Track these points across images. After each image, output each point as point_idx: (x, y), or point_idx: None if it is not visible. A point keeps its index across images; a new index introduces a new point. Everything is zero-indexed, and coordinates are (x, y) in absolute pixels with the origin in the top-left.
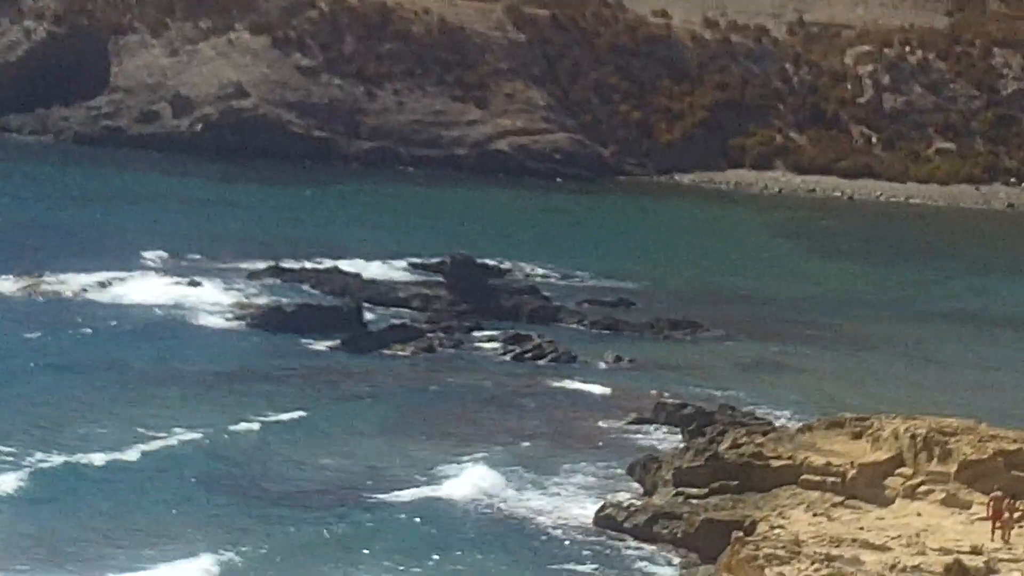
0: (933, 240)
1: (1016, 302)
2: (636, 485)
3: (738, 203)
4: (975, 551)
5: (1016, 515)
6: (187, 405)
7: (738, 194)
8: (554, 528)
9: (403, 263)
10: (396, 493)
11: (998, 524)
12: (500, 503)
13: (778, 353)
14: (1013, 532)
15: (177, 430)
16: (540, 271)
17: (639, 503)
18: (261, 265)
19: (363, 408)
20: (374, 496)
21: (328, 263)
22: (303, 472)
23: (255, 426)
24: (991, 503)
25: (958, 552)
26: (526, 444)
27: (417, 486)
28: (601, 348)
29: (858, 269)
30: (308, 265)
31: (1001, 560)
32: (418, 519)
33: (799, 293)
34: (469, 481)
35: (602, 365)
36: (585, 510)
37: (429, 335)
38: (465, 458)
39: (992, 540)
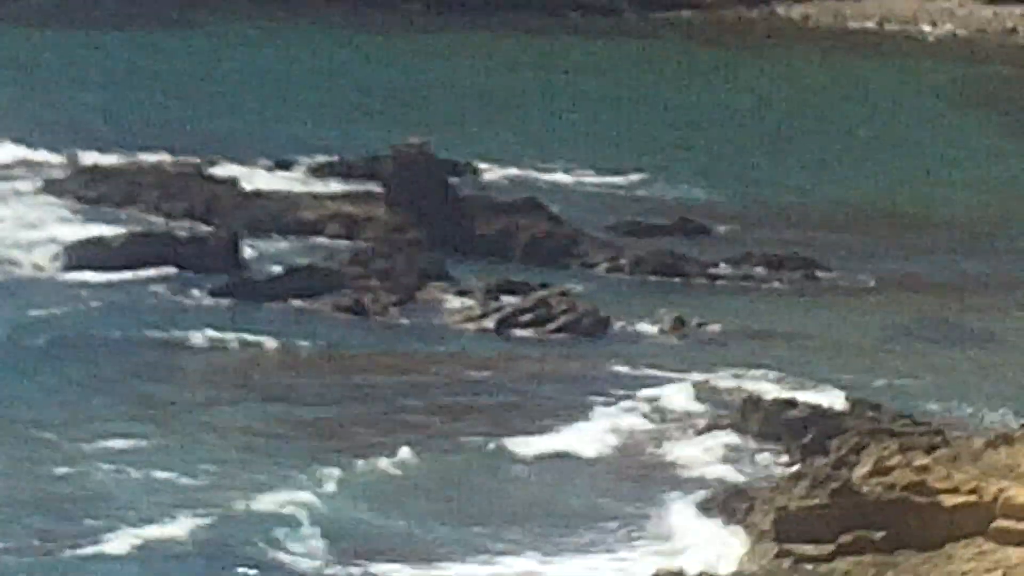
0: None
1: None
2: (711, 538)
3: (886, 53)
4: None
5: None
6: None
7: (887, 37)
8: None
9: (311, 163)
10: None
11: None
12: None
13: (954, 312)
14: None
15: None
16: (545, 173)
17: (717, 570)
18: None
19: (231, 424)
20: None
21: (185, 161)
22: None
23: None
24: None
25: None
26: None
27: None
28: (651, 307)
29: None
30: (149, 160)
31: None
32: None
33: (990, 211)
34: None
35: (653, 335)
36: None
37: (354, 285)
38: None
39: None
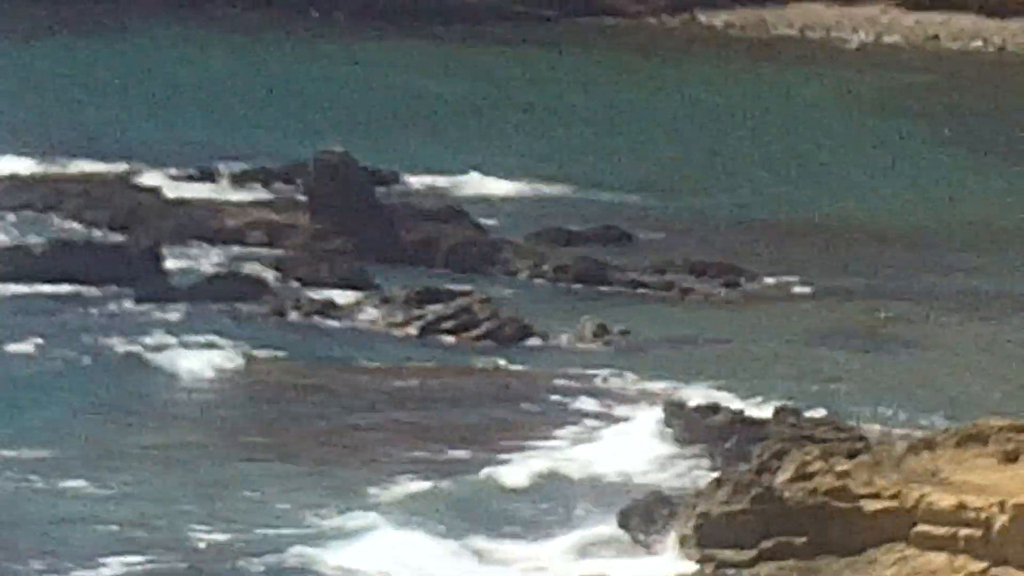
0: None
1: None
2: (633, 545)
3: (808, 62)
4: None
5: None
6: None
7: (808, 46)
8: None
9: (234, 170)
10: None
11: None
12: None
13: (877, 319)
14: None
15: None
16: (469, 181)
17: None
18: None
19: (158, 429)
20: None
21: (105, 168)
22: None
23: None
24: None
25: None
26: (446, 485)
27: (280, 551)
28: (575, 314)
29: (1009, 172)
30: (72, 168)
31: None
32: None
33: (914, 219)
34: (365, 550)
35: (576, 344)
36: None
37: (276, 292)
38: (354, 514)
39: None
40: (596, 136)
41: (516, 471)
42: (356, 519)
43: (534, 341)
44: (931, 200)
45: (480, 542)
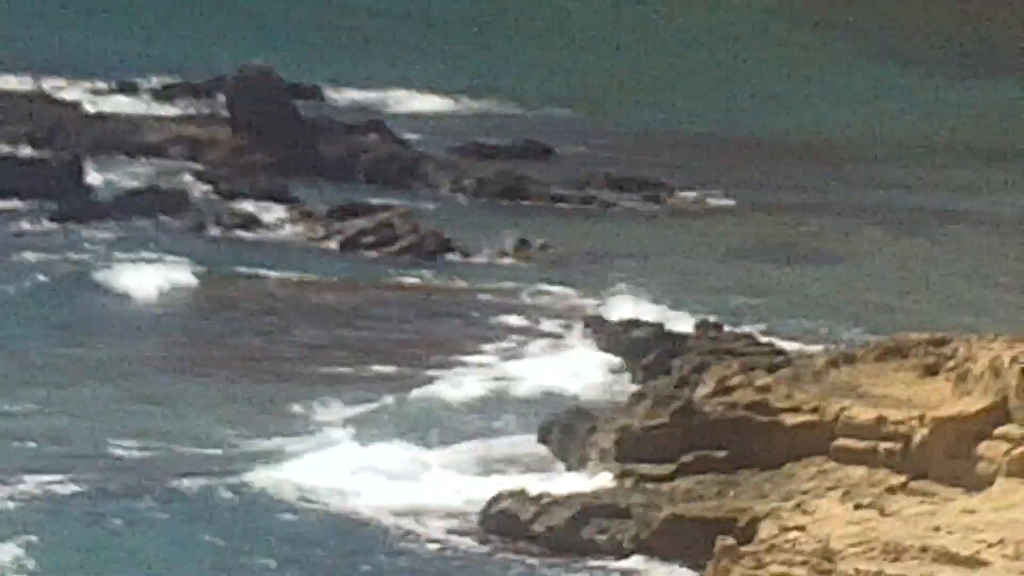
0: None
1: None
2: (554, 460)
3: None
4: None
5: None
6: None
7: None
8: (415, 541)
9: (155, 84)
10: (182, 485)
11: None
12: (332, 500)
13: (797, 233)
14: None
15: None
16: (393, 96)
17: (556, 492)
18: None
19: (83, 345)
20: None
21: (23, 83)
22: None
23: None
24: None
25: None
26: (370, 402)
27: (209, 475)
28: (495, 228)
29: (936, 86)
30: None
31: None
32: (213, 528)
33: (839, 134)
34: (289, 471)
35: (496, 258)
36: (470, 506)
37: (197, 206)
38: (274, 432)
39: None
40: (521, 51)
41: (443, 387)
42: (283, 437)
43: (455, 256)
44: (857, 114)
45: (403, 455)
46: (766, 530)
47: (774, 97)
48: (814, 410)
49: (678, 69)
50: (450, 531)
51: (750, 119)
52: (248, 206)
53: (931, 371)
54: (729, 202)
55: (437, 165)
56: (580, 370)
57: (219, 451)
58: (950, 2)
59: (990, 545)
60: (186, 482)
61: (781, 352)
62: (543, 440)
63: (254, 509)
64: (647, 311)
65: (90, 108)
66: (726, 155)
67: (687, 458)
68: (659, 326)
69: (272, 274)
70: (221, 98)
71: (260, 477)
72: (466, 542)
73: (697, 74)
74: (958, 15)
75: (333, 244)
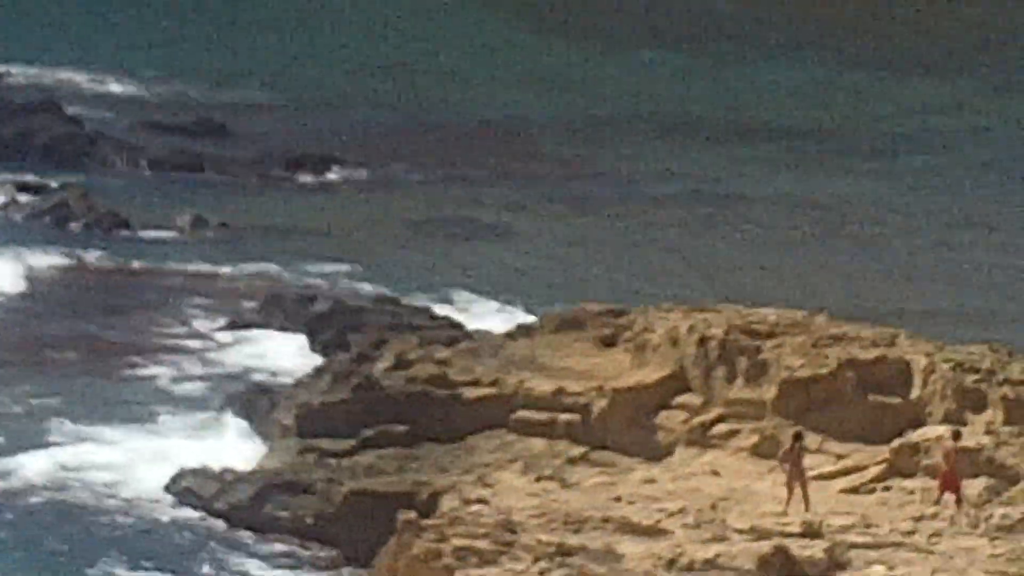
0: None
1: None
2: (237, 437)
3: None
4: (810, 532)
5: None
6: None
7: None
8: (91, 521)
9: None
10: None
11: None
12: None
13: (478, 206)
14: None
15: None
16: (64, 75)
17: (239, 469)
18: None
19: None
20: None
21: None
22: None
23: None
24: (947, 459)
25: (781, 534)
26: (47, 377)
27: None
28: (172, 205)
29: (619, 66)
30: None
31: (857, 546)
32: None
33: (514, 110)
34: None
35: (173, 234)
36: (154, 482)
37: None
38: None
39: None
40: (197, 30)
41: (133, 367)
42: None
43: (132, 232)
44: (532, 90)
45: (85, 432)
46: (448, 503)
47: (449, 73)
48: (493, 383)
49: (356, 47)
50: (136, 504)
51: (425, 96)
52: None
53: (609, 342)
54: (404, 177)
55: (114, 144)
56: (264, 347)
57: None
58: None
59: (671, 514)
60: None
61: (459, 326)
62: (227, 416)
63: None
64: (324, 286)
65: None
66: (399, 131)
67: (368, 433)
68: (338, 300)
69: None
70: None
71: None
72: (152, 517)
73: (370, 52)
74: None
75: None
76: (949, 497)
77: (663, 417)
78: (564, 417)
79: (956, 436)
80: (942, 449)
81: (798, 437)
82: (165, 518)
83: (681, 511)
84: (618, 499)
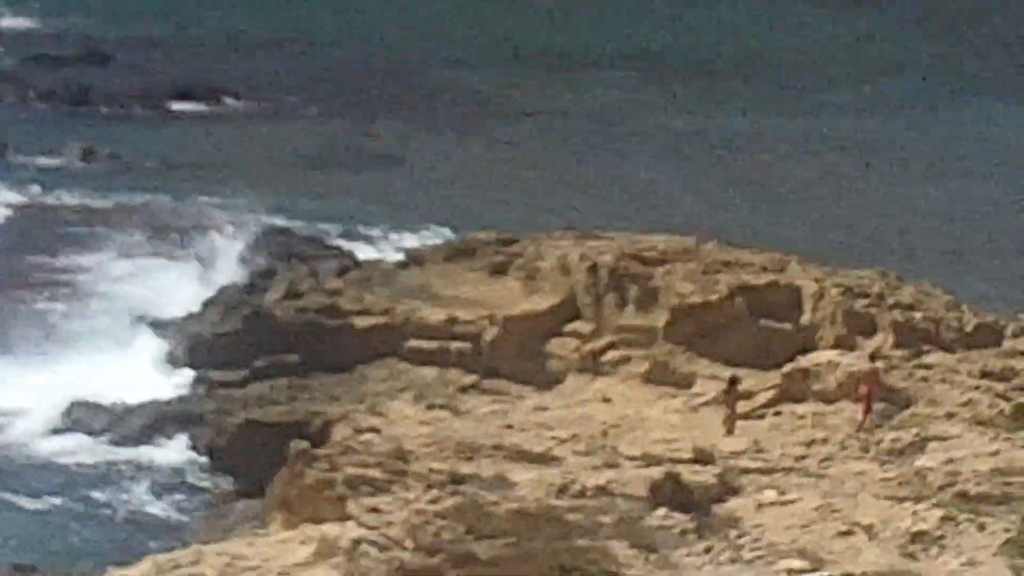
0: None
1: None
2: (129, 368)
3: None
4: (701, 458)
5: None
6: None
7: None
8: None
9: None
10: None
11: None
12: None
13: (368, 136)
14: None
15: None
16: None
17: (131, 399)
18: None
19: None
20: None
21: None
22: None
23: None
24: (865, 380)
25: (672, 460)
26: None
27: None
28: (59, 137)
29: None
30: None
31: (749, 471)
32: None
33: (406, 43)
34: None
35: (57, 163)
36: (47, 415)
37: None
38: None
39: (728, 434)
40: None
41: (30, 303)
42: None
43: (15, 164)
44: (421, 20)
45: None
46: (340, 432)
47: (348, 9)
48: (384, 312)
49: None
50: (29, 437)
51: (311, 24)
52: None
53: (500, 270)
54: (295, 107)
55: (1, 76)
56: (155, 279)
57: None
58: None
59: (562, 441)
60: None
61: (350, 255)
62: (118, 349)
63: None
64: (217, 216)
65: None
66: (294, 59)
67: (259, 363)
68: (228, 231)
69: None
70: None
71: None
72: (45, 449)
73: None
74: None
75: None
76: (854, 412)
77: (554, 345)
78: (455, 346)
79: (873, 357)
80: (861, 371)
81: (734, 381)
82: (57, 450)
83: (573, 438)
84: (510, 427)
